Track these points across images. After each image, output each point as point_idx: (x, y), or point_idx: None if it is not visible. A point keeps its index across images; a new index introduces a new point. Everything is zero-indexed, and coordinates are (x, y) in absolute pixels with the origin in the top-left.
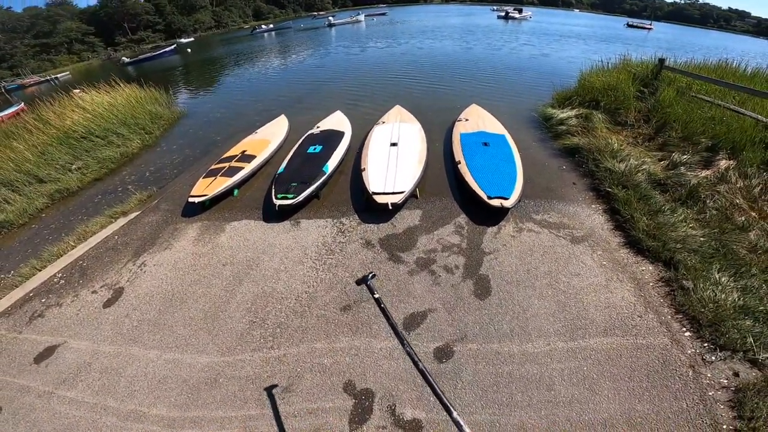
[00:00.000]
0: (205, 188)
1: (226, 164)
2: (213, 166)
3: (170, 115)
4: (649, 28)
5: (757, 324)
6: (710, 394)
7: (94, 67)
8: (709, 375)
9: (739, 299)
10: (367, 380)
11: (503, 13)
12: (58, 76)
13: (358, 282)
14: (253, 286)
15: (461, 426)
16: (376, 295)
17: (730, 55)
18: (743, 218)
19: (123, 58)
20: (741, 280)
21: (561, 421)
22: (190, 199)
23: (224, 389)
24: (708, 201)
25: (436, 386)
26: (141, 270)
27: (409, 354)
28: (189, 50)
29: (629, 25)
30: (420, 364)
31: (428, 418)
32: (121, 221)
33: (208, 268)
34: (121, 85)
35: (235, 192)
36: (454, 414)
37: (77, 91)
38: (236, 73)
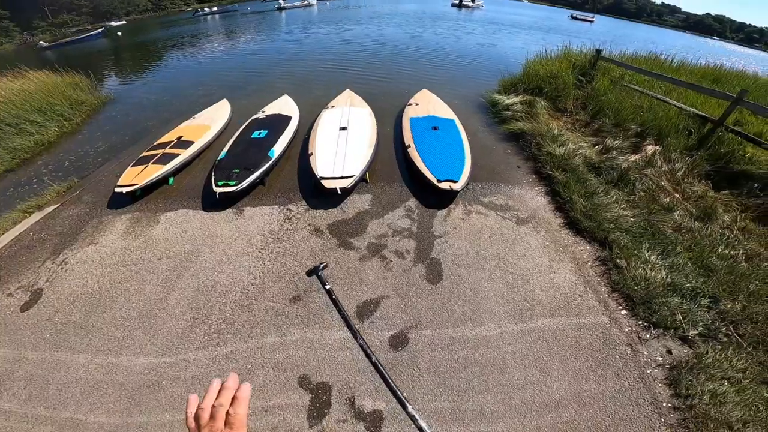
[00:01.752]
0: (135, 177)
1: (160, 151)
2: (144, 153)
3: (93, 100)
4: (591, 21)
5: (684, 301)
6: (648, 372)
7: (8, 52)
8: (645, 353)
9: (667, 277)
10: (322, 373)
11: (457, 1)
12: None
13: (309, 273)
14: (193, 280)
15: (416, 420)
16: (327, 286)
17: (659, 48)
18: (668, 199)
19: (41, 42)
20: (668, 258)
21: (517, 404)
22: (117, 189)
23: (169, 391)
24: (637, 183)
25: (390, 380)
26: (62, 269)
27: (362, 347)
28: (119, 33)
29: (573, 17)
30: (373, 357)
31: (388, 409)
32: (37, 216)
33: (140, 263)
34: (32, 71)
35: (171, 180)
36: (409, 408)
37: None
38: (174, 58)
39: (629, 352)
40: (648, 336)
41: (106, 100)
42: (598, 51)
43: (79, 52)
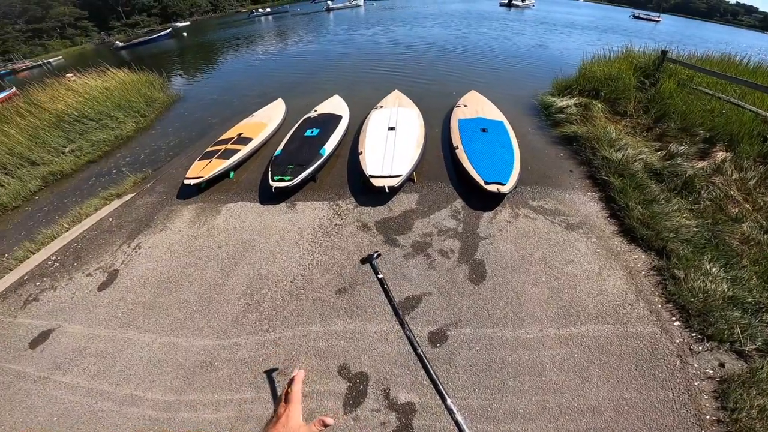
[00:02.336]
0: (201, 170)
1: (223, 146)
2: (209, 149)
3: (165, 98)
4: (657, 20)
5: (744, 315)
6: (696, 384)
7: (88, 51)
8: (695, 365)
9: (728, 290)
10: (361, 364)
11: (506, 0)
12: (51, 60)
13: (363, 261)
14: (249, 268)
15: (453, 413)
16: (380, 276)
17: (734, 49)
18: (737, 210)
19: (117, 42)
20: (731, 271)
21: (551, 407)
22: (186, 181)
23: (219, 372)
24: (703, 192)
25: (432, 372)
26: (136, 252)
27: (408, 338)
28: (185, 34)
29: (636, 17)
30: (419, 349)
31: (422, 402)
32: (116, 203)
33: (203, 250)
34: (113, 69)
35: (231, 174)
36: (448, 401)
37: (70, 75)
38: (233, 57)
39: (678, 363)
40: (700, 348)
41: (176, 98)
42: (664, 52)
43: (150, 51)
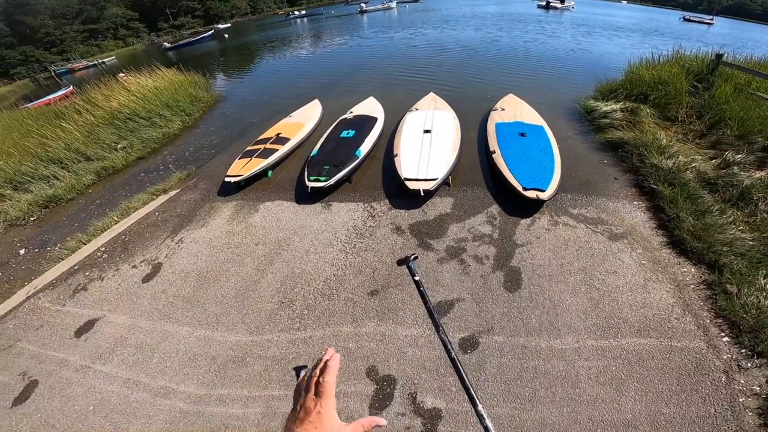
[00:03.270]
0: (241, 168)
1: (261, 146)
2: (248, 148)
3: (209, 98)
4: (710, 23)
5: None
6: (740, 400)
7: (138, 51)
8: (742, 381)
9: None
10: (390, 367)
11: (544, 2)
12: (105, 60)
13: (399, 262)
14: (284, 266)
15: (484, 419)
16: (417, 278)
17: None
18: None
19: (164, 43)
20: None
21: (583, 420)
22: (227, 179)
23: (250, 368)
24: (760, 203)
25: (465, 376)
26: (178, 246)
27: (442, 341)
28: (226, 35)
29: (686, 19)
30: (452, 353)
31: (448, 408)
32: (162, 198)
33: (241, 246)
34: (163, 69)
35: (269, 173)
36: (479, 407)
37: (122, 75)
38: (271, 58)
39: (723, 379)
40: (749, 365)
41: (219, 98)
42: (719, 55)
43: (195, 52)
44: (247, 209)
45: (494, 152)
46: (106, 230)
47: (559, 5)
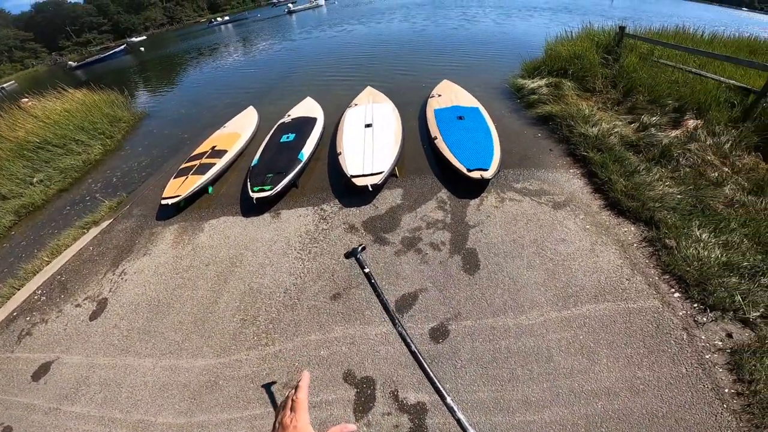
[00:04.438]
0: (178, 188)
1: (197, 162)
2: (183, 165)
3: (130, 116)
4: None
5: (743, 281)
6: (707, 357)
7: (41, 73)
8: (703, 337)
9: (722, 255)
10: (366, 368)
11: None
12: (5, 86)
13: (347, 255)
14: (240, 283)
15: (454, 411)
16: (366, 270)
17: (686, 22)
18: (716, 174)
19: (69, 62)
20: (721, 235)
21: (564, 393)
22: (163, 201)
23: (225, 391)
24: (681, 159)
25: (429, 370)
26: (122, 279)
27: (401, 335)
28: (142, 49)
29: None
30: (413, 346)
31: (432, 401)
32: (94, 231)
33: (191, 269)
34: (72, 90)
35: (210, 189)
36: (448, 399)
37: (26, 100)
38: (197, 69)
39: (685, 336)
40: (705, 319)
41: (142, 116)
42: (622, 28)
43: (107, 69)
44: (191, 230)
45: (436, 138)
46: (38, 272)
47: None
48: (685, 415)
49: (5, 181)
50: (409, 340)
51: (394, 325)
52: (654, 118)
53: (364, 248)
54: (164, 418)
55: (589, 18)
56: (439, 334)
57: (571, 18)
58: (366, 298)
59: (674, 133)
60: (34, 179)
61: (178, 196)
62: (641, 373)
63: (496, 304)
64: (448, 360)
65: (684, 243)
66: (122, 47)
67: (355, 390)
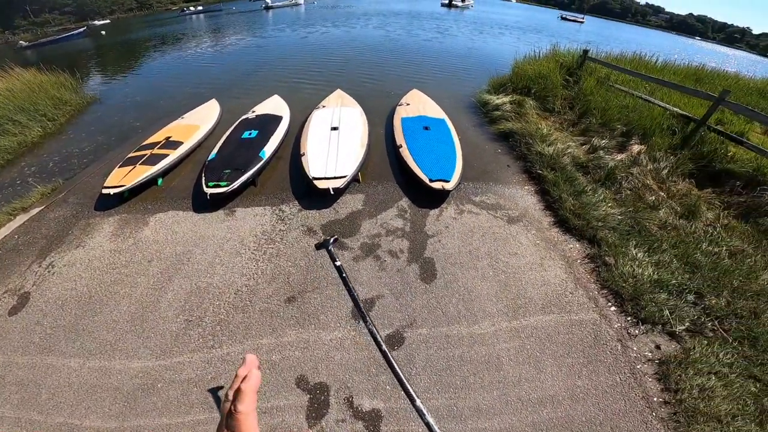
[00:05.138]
0: (123, 178)
1: (148, 152)
2: (132, 154)
3: (78, 100)
4: (581, 21)
5: (671, 297)
6: (638, 367)
7: None
8: (635, 348)
9: (654, 273)
10: (319, 374)
11: (447, 1)
12: None
13: (318, 246)
14: (186, 282)
15: (424, 414)
16: (338, 263)
17: (644, 48)
18: (653, 198)
19: (21, 42)
20: (654, 255)
21: (513, 401)
22: (105, 191)
23: (165, 394)
24: (623, 182)
25: (399, 371)
26: (49, 272)
27: (371, 332)
28: (103, 33)
29: (563, 18)
30: (383, 346)
31: (387, 408)
32: (22, 218)
33: (130, 265)
34: (17, 69)
35: (159, 181)
36: (417, 402)
37: None
38: (160, 57)
39: (619, 347)
40: (637, 332)
41: (91, 101)
42: (585, 51)
43: (62, 51)
44: (134, 223)
45: (401, 146)
46: None
47: (460, 4)
48: (620, 422)
49: None
50: (379, 339)
51: (365, 322)
52: (603, 141)
53: (336, 240)
54: (91, 421)
55: (555, 39)
56: (394, 341)
57: (538, 38)
58: (321, 303)
59: (620, 156)
60: None
61: (122, 186)
62: (581, 382)
63: (451, 313)
64: (403, 366)
65: (621, 261)
66: (82, 29)
67: (309, 396)
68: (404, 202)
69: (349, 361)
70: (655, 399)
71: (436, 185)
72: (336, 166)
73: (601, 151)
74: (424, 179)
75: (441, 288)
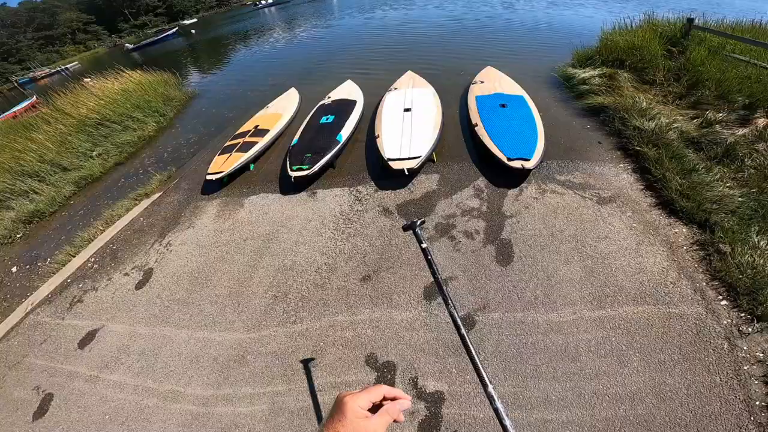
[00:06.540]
0: (222, 165)
1: (240, 140)
2: (228, 143)
3: (182, 96)
4: None
5: None
6: (745, 368)
7: (102, 55)
8: (745, 348)
9: None
10: (388, 353)
11: None
12: (69, 66)
13: (405, 228)
14: (274, 260)
15: (494, 400)
16: (424, 245)
17: (764, 17)
18: None
19: (127, 44)
20: None
21: (587, 394)
22: (208, 177)
23: (252, 366)
24: (746, 159)
25: (474, 354)
26: (167, 250)
27: (452, 315)
28: (193, 31)
29: None
30: (462, 329)
31: (450, 390)
32: (145, 203)
33: (230, 244)
34: (129, 71)
35: (251, 166)
36: (489, 388)
37: (88, 80)
38: (243, 50)
39: (726, 346)
40: (750, 330)
41: (192, 95)
42: (690, 20)
43: (161, 51)
44: (232, 205)
45: (476, 125)
46: (92, 240)
47: None
48: (709, 425)
49: (66, 154)
50: (459, 323)
51: (447, 305)
52: (720, 114)
53: (423, 222)
54: (193, 389)
55: (646, 8)
56: (464, 324)
57: (622, 8)
58: (394, 283)
59: (742, 131)
60: (94, 153)
61: (221, 172)
62: (671, 380)
63: (527, 298)
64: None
65: (740, 249)
66: (174, 30)
67: (376, 374)
68: (481, 182)
69: (418, 342)
70: (757, 403)
71: (515, 164)
72: (410, 146)
73: (718, 126)
74: (502, 158)
75: (518, 271)
